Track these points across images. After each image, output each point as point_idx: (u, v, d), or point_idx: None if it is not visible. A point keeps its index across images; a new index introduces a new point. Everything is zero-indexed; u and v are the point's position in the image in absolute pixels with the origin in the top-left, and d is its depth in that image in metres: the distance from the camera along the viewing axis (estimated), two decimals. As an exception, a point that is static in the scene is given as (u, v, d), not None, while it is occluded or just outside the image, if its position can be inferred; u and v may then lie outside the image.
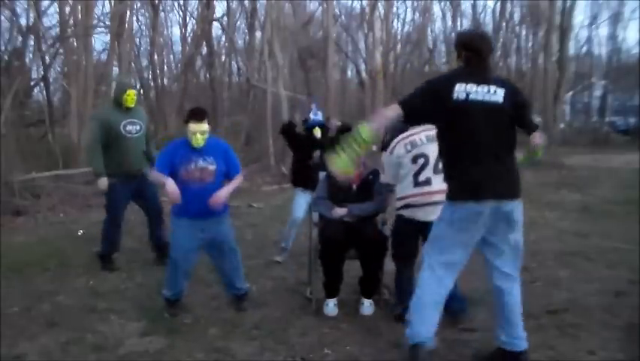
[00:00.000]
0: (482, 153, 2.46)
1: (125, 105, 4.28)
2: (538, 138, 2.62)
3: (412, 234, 3.34)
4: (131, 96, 4.27)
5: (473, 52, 2.52)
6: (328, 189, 3.66)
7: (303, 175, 4.54)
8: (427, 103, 2.48)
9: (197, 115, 3.26)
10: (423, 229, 3.10)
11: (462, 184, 2.50)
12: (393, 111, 2.48)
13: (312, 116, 4.63)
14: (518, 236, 2.64)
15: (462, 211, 2.49)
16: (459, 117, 2.45)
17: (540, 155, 2.73)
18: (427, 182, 3.24)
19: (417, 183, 3.27)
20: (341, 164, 2.43)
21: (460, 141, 2.49)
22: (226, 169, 3.36)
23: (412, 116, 2.52)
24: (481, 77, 2.49)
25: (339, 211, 3.53)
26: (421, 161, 3.26)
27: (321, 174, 3.80)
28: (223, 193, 3.26)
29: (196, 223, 3.31)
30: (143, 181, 4.30)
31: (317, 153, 4.44)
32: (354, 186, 3.63)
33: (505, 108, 2.48)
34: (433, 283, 2.60)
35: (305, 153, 4.54)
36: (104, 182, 4.28)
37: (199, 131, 3.24)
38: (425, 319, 2.59)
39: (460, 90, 2.43)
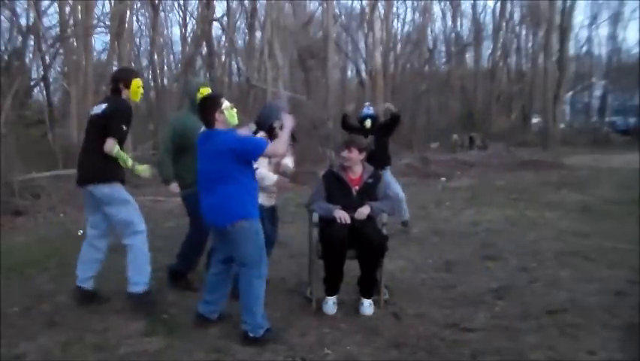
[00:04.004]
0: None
1: None
2: None
3: None
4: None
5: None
6: (327, 191, 3.62)
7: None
8: None
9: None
10: None
11: None
12: None
13: (365, 110, 5.77)
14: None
15: None
16: None
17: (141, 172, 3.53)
18: None
19: None
20: None
21: None
22: None
23: None
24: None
25: (343, 215, 3.44)
26: None
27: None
28: None
29: None
30: None
31: (368, 140, 4.88)
32: (355, 190, 3.61)
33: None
34: None
35: None
36: (174, 186, 3.89)
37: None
38: None
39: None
